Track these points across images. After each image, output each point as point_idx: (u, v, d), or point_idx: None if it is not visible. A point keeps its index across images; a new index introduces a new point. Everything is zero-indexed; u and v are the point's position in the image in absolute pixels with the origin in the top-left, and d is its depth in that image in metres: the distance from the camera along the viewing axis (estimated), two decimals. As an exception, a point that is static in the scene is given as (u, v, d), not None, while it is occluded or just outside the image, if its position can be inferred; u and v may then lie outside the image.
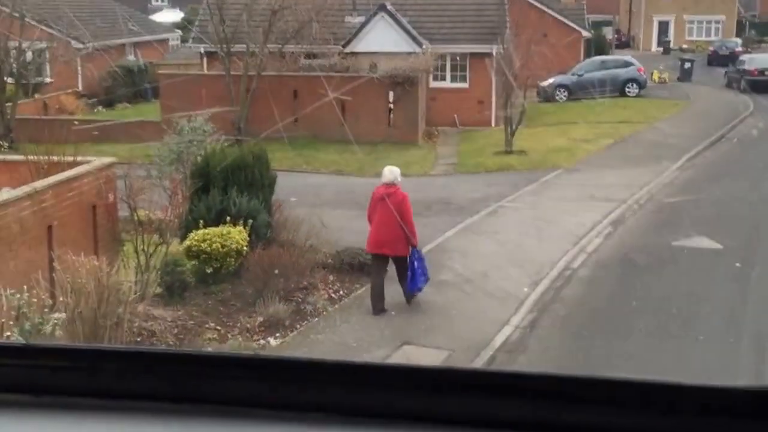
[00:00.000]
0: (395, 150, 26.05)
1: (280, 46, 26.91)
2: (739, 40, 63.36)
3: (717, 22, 73.17)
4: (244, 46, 26.17)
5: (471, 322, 12.15)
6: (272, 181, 15.07)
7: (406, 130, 27.18)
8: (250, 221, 13.62)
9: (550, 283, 13.67)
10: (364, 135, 26.55)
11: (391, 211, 12.18)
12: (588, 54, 44.40)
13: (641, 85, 38.19)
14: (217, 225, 13.44)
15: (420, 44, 30.06)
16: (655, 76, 44.17)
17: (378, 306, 12.24)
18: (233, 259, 13.09)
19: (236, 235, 13.19)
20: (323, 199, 20.29)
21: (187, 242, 13.15)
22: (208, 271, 13.01)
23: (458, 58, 31.42)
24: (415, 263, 12.22)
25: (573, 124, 29.58)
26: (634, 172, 22.01)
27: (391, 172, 12.91)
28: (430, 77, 31.00)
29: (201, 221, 13.42)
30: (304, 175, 23.71)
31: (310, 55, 29.16)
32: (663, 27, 73.62)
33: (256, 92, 26.47)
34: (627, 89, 37.84)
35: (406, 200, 12.59)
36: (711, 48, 60.34)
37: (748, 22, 79.70)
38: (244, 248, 13.15)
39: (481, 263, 14.62)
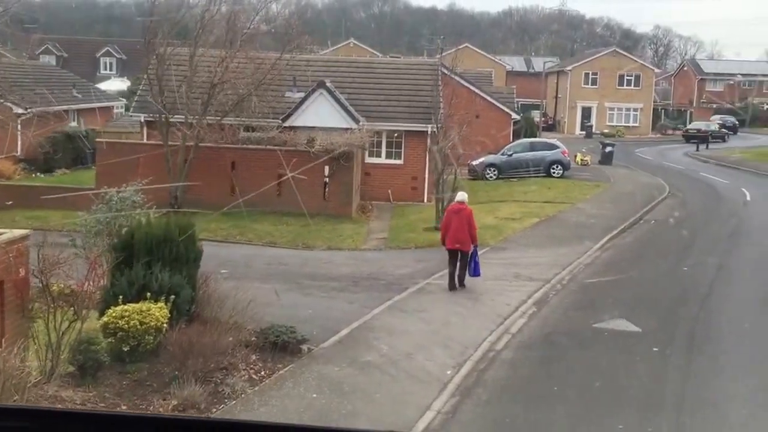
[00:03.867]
0: (329, 223, 25.35)
1: (219, 118, 26.17)
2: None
3: (635, 109, 74.75)
4: (183, 117, 25.36)
5: (393, 406, 11.32)
6: (198, 255, 14.14)
7: (341, 204, 26.51)
8: (173, 297, 12.67)
9: (473, 365, 12.94)
10: (299, 207, 25.82)
11: (463, 220, 17.12)
12: (517, 136, 44.65)
13: (565, 167, 38.28)
14: (138, 301, 12.47)
15: (357, 120, 29.62)
16: (579, 159, 44.45)
17: (452, 285, 17.17)
18: (152, 337, 12.09)
19: (157, 311, 12.22)
20: (254, 272, 19.39)
21: (104, 318, 12.14)
22: (125, 349, 11.99)
23: (394, 135, 31.06)
24: (476, 257, 17.35)
25: (501, 202, 29.25)
26: (557, 252, 21.59)
27: (462, 196, 17.79)
28: (366, 153, 30.53)
29: (121, 297, 12.44)
30: (238, 246, 22.81)
31: (249, 128, 28.47)
32: (586, 112, 74.90)
33: (193, 163, 25.61)
34: (552, 170, 37.88)
35: (472, 213, 17.48)
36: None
37: (663, 110, 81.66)
38: (164, 325, 12.18)
39: (407, 343, 13.84)
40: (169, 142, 25.96)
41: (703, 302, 16.97)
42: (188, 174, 25.52)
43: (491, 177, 37.34)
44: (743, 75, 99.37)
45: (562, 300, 17.34)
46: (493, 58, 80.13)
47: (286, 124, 29.51)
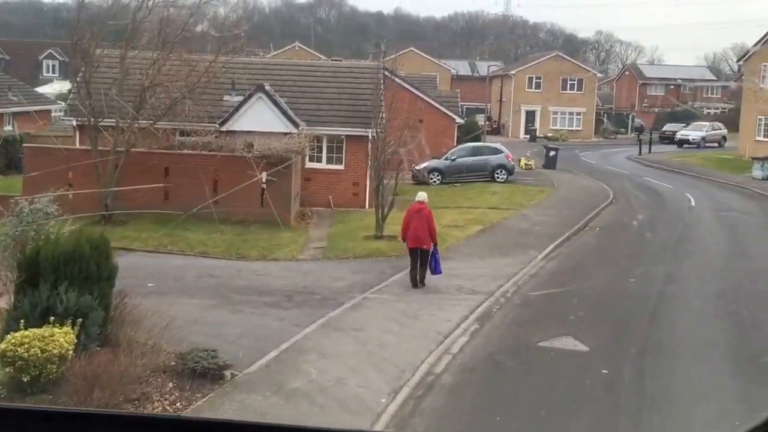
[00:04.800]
0: (266, 231, 24.09)
1: (152, 122, 24.73)
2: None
3: (578, 113, 74.62)
4: (114, 120, 23.88)
5: (321, 440, 10.15)
6: (112, 272, 12.79)
7: (279, 211, 25.21)
8: (80, 320, 11.36)
9: (410, 391, 11.83)
10: (236, 215, 24.55)
11: (423, 220, 17.47)
12: (461, 140, 43.65)
13: (510, 172, 37.51)
14: (42, 325, 11.13)
15: (296, 125, 28.40)
16: (523, 163, 43.79)
17: (414, 284, 17.57)
18: (55, 366, 10.76)
19: (61, 337, 10.90)
20: (183, 285, 18.08)
21: (2, 346, 10.78)
22: (25, 379, 10.65)
23: (334, 140, 29.89)
24: (437, 255, 17.69)
25: (444, 209, 28.21)
26: (501, 262, 20.64)
27: (422, 196, 18.20)
28: (306, 158, 29.34)
29: (23, 321, 11.09)
30: (169, 257, 21.43)
31: (184, 133, 27.08)
32: (530, 116, 74.58)
33: (125, 169, 24.16)
34: (496, 175, 37.08)
35: (431, 213, 17.93)
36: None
37: (605, 114, 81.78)
38: (70, 352, 10.87)
39: (339, 366, 12.69)
40: (101, 147, 24.51)
41: (653, 316, 16.11)
42: (119, 180, 24.07)
43: (435, 182, 36.39)
44: (683, 79, 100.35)
45: (506, 315, 16.35)
46: (438, 62, 79.41)
47: (224, 128, 28.15)
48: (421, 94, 41.95)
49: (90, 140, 24.03)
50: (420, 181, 36.43)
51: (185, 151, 25.69)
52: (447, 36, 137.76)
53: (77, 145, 27.54)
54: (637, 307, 16.88)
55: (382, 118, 28.38)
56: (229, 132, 28.01)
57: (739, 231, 27.05)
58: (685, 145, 63.04)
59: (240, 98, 28.94)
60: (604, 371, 12.87)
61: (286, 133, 27.39)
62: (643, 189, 37.63)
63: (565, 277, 19.79)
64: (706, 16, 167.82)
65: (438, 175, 36.70)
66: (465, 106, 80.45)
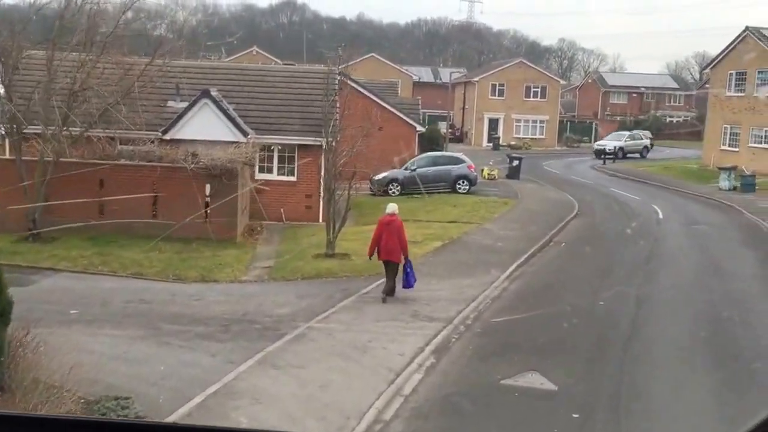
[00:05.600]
0: (210, 248, 22.31)
1: (84, 129, 22.83)
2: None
3: (542, 121, 73.60)
4: (41, 128, 21.95)
5: None
6: (6, 308, 10.97)
7: (224, 226, 23.44)
8: (-39, 368, 9.57)
9: (354, 445, 10.21)
10: (177, 230, 22.70)
11: (394, 232, 16.98)
12: (423, 148, 42.01)
13: (472, 183, 36.04)
14: None
15: (245, 133, 26.65)
16: (485, 173, 42.41)
17: (386, 294, 16.92)
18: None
19: (-66, 389, 9.13)
20: (109, 313, 16.24)
21: None
22: None
23: (286, 150, 28.17)
24: (407, 268, 16.94)
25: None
26: (462, 283, 19.07)
27: (392, 207, 17.75)
28: (256, 168, 27.61)
29: None
30: (99, 278, 19.56)
31: (124, 141, 25.20)
32: (493, 124, 73.42)
33: (54, 180, 22.24)
34: (458, 186, 35.61)
35: (402, 225, 17.51)
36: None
37: (569, 123, 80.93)
38: (-56, 408, 9.08)
39: (274, 413, 11.00)
40: (30, 158, 22.59)
41: (626, 347, 14.61)
42: (49, 194, 22.16)
43: (394, 193, 34.83)
44: (646, 88, 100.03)
45: (466, 346, 14.76)
46: (399, 69, 77.87)
47: (167, 136, 26.34)
48: (380, 101, 40.35)
49: (13, 148, 22.05)
50: (378, 192, 34.89)
51: (122, 162, 23.80)
52: (410, 42, 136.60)
53: (6, 155, 25.53)
54: (608, 336, 15.40)
55: (334, 126, 26.84)
56: (172, 141, 26.20)
57: (711, 246, 25.82)
58: (603, 156, 57.74)
59: (185, 104, 27.14)
60: (575, 416, 11.34)
61: (233, 142, 25.65)
62: (608, 200, 36.40)
63: (529, 301, 18.28)
64: (668, 25, 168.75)
65: (397, 186, 35.14)
66: (427, 114, 79.11)
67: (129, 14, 23.79)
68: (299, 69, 37.18)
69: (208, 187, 23.30)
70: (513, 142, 69.76)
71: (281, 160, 27.92)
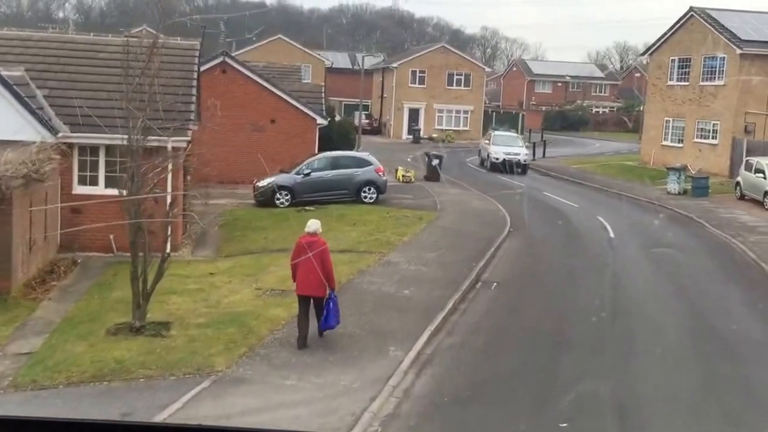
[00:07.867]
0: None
1: None
2: None
3: (465, 112, 66.60)
4: None
5: None
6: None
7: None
8: None
9: None
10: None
11: (316, 259, 12.79)
12: (329, 145, 33.71)
13: (380, 190, 28.47)
14: None
15: (55, 131, 18.58)
16: (400, 174, 34.96)
17: (301, 343, 12.68)
18: None
19: None
20: None
21: None
22: None
23: (119, 153, 20.10)
24: (330, 304, 12.94)
25: (279, 252, 18.96)
26: (337, 383, 11.46)
27: (314, 225, 13.32)
28: (74, 179, 19.62)
29: None
30: None
31: None
32: (413, 114, 66.05)
33: None
34: (364, 194, 28.02)
35: (327, 249, 13.22)
36: None
37: (494, 113, 74.21)
38: None
39: None
40: None
41: None
42: None
43: (283, 203, 27.12)
44: (571, 77, 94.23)
45: None
46: (310, 53, 69.44)
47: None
48: (271, 87, 32.53)
49: None
50: (264, 201, 27.15)
51: None
52: (332, 28, 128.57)
53: None
54: None
55: (191, 118, 19.15)
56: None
57: (688, 286, 18.90)
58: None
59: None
60: None
61: (32, 143, 17.57)
62: (545, 211, 29.33)
63: (446, 414, 10.86)
64: (589, 15, 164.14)
65: (287, 195, 27.36)
66: (344, 104, 71.38)
67: None
68: (152, 43, 28.89)
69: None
70: (435, 135, 62.58)
71: (110, 166, 19.80)
